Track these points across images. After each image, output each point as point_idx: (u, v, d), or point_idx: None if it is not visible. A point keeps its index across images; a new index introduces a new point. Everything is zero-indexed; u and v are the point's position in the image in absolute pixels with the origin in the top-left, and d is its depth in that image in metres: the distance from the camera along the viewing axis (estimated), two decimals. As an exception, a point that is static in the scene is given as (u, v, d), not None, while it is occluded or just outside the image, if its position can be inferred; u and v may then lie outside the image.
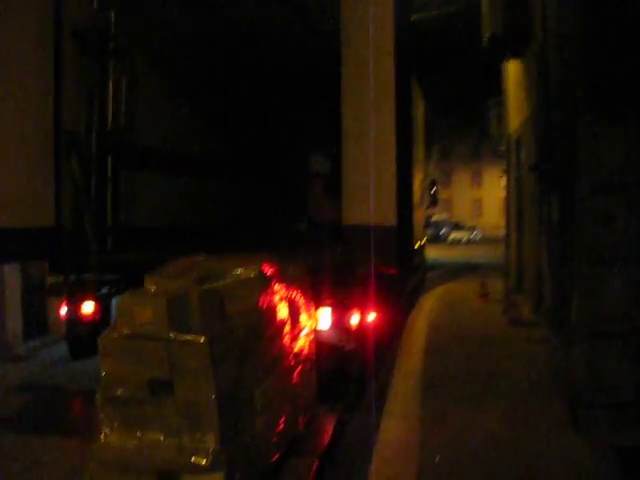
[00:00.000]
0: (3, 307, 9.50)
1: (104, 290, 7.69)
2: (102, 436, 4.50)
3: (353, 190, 6.42)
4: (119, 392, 4.48)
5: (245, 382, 4.72)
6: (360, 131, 6.31)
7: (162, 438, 4.40)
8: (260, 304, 5.07)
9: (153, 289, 4.84)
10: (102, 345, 4.55)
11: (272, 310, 5.24)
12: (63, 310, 7.57)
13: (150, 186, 8.85)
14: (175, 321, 4.38)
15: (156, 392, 4.40)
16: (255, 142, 11.35)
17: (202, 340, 4.32)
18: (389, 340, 7.74)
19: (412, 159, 8.69)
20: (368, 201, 5.97)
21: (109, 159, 8.10)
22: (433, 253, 22.90)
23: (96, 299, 7.50)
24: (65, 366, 8.51)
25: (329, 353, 6.64)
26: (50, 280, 7.87)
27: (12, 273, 9.53)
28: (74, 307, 7.53)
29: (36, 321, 9.47)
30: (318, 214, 10.50)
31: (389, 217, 6.10)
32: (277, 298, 5.36)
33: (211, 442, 4.30)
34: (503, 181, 17.43)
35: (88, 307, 7.46)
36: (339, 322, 6.73)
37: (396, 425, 6.42)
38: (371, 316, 6.92)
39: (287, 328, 5.50)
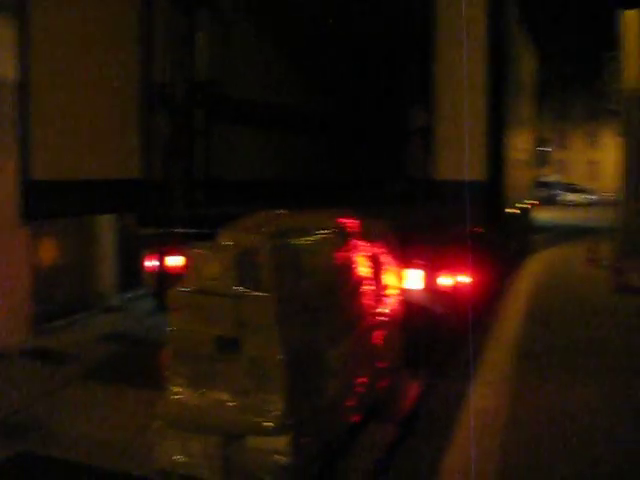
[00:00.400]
0: (98, 259, 9.63)
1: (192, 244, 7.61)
2: (168, 392, 4.37)
3: (444, 145, 6.09)
4: (186, 348, 4.32)
5: (317, 343, 4.48)
6: (452, 85, 5.98)
7: (228, 397, 4.22)
8: (338, 262, 4.80)
9: (225, 243, 4.65)
10: (171, 299, 4.40)
11: (351, 268, 4.97)
12: (151, 263, 7.55)
13: (242, 139, 8.69)
14: (243, 276, 4.18)
15: (223, 350, 4.22)
16: (349, 96, 10.99)
17: (270, 297, 4.11)
18: (485, 305, 7.36)
19: (508, 116, 8.20)
20: (458, 156, 5.64)
21: (199, 112, 7.96)
22: (544, 215, 22.00)
23: (184, 253, 7.43)
24: (155, 319, 8.54)
25: (418, 315, 6.32)
26: (139, 233, 7.89)
27: (107, 225, 9.63)
28: (162, 260, 7.48)
29: (131, 273, 9.55)
30: (418, 170, 10.10)
31: (477, 173, 5.74)
32: (357, 256, 5.08)
33: (277, 404, 4.08)
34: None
35: (175, 260, 7.40)
36: (430, 283, 6.39)
37: (485, 394, 6.10)
38: (465, 278, 6.55)
39: (368, 288, 5.22)
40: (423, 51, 6.65)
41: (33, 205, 6.01)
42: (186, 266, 4.39)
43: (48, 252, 8.88)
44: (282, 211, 5.27)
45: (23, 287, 8.17)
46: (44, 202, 6.14)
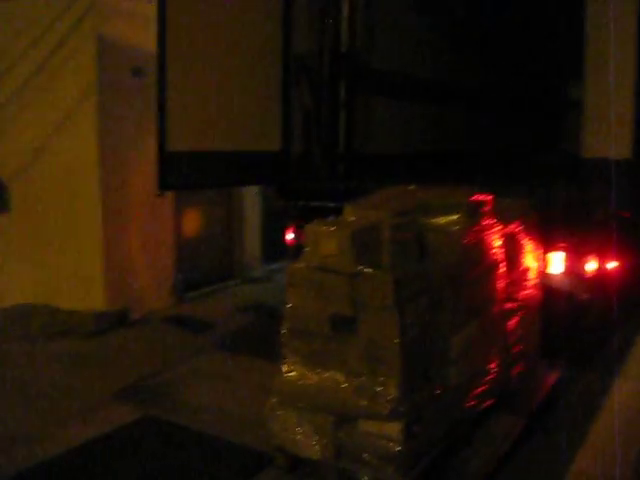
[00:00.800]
0: (243, 230, 9.76)
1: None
2: (284, 369, 4.29)
3: (593, 120, 5.63)
4: (302, 326, 4.22)
5: (439, 327, 4.25)
6: (602, 60, 5.51)
7: (342, 378, 4.09)
8: (467, 241, 4.52)
9: (346, 219, 4.49)
10: (288, 275, 4.31)
11: (481, 249, 4.67)
12: (290, 236, 7.53)
13: (386, 111, 8.45)
14: (361, 255, 4.00)
15: (338, 329, 4.09)
16: (500, 68, 10.45)
17: (388, 277, 3.92)
18: (633, 293, 6.80)
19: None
20: (606, 133, 5.19)
21: (342, 83, 7.79)
22: None
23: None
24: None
25: (559, 301, 5.91)
26: (281, 205, 7.88)
27: (252, 197, 9.73)
28: (300, 233, 7.44)
29: (274, 245, 9.61)
30: (568, 146, 9.49)
31: (625, 152, 5.26)
32: (490, 236, 4.77)
33: (392, 389, 3.91)
34: None
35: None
36: (573, 268, 5.94)
37: (631, 391, 5.62)
38: (612, 264, 6.05)
39: (501, 270, 4.90)
40: (577, 21, 6.16)
41: (169, 176, 6.09)
42: (305, 242, 4.26)
43: (193, 223, 9.09)
44: (412, 187, 5.04)
45: (168, 256, 8.41)
46: (180, 173, 6.21)
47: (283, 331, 4.32)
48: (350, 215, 4.53)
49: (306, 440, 4.16)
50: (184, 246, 8.79)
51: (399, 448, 3.85)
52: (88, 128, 7.24)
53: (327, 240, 4.08)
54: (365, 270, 3.97)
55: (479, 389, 4.59)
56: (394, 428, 3.89)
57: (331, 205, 7.27)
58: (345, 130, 7.99)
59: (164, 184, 6.21)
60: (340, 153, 7.97)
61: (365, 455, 3.96)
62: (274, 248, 9.84)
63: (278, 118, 7.03)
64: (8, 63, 7.35)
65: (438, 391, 4.18)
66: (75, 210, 7.48)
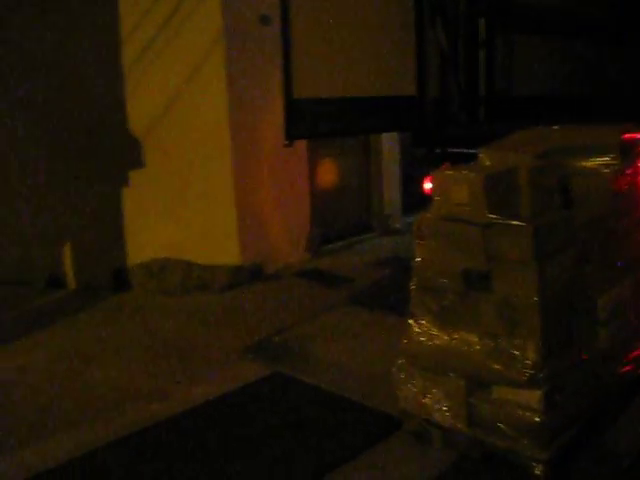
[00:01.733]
0: (381, 181, 9.42)
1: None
2: (412, 328, 3.97)
3: None
4: (432, 281, 3.88)
5: (585, 284, 3.79)
6: None
7: (475, 339, 3.73)
8: (618, 187, 4.00)
9: (485, 164, 4.08)
10: (416, 227, 3.97)
11: (636, 196, 4.12)
12: (428, 185, 7.13)
13: (528, 50, 7.81)
14: (495, 203, 3.59)
15: (471, 285, 3.72)
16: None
17: (527, 228, 3.49)
18: None
19: None
20: None
21: (481, 21, 7.25)
22: None
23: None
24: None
25: None
26: (419, 153, 7.53)
27: (390, 146, 9.35)
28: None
29: (413, 196, 9.22)
30: None
31: None
32: (646, 182, 4.21)
33: (530, 353, 3.51)
34: None
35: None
36: None
37: None
38: None
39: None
40: None
41: (296, 125, 5.86)
42: (434, 190, 3.88)
43: (329, 174, 8.86)
44: (555, 127, 4.53)
45: (303, 210, 8.23)
46: (308, 122, 5.97)
47: (412, 287, 4.01)
48: (485, 159, 4.12)
49: (436, 405, 3.85)
50: (320, 199, 8.59)
51: (537, 419, 3.46)
52: (216, 80, 7.10)
53: (457, 187, 3.69)
54: (500, 220, 3.55)
55: (632, 354, 4.09)
56: (532, 396, 3.50)
57: (471, 151, 6.81)
58: (485, 71, 7.48)
59: (291, 134, 5.99)
60: (480, 96, 7.48)
61: (499, 424, 3.60)
62: (414, 199, 9.44)
63: (412, 61, 6.63)
64: (135, 19, 7.29)
65: (583, 357, 3.74)
66: (207, 165, 7.40)
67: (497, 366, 3.60)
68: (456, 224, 3.71)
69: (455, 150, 6.86)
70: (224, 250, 7.51)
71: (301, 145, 7.77)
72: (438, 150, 7.00)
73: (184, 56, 7.20)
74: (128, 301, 7.33)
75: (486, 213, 3.57)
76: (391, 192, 9.44)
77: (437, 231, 3.84)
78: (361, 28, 6.15)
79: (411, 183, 9.39)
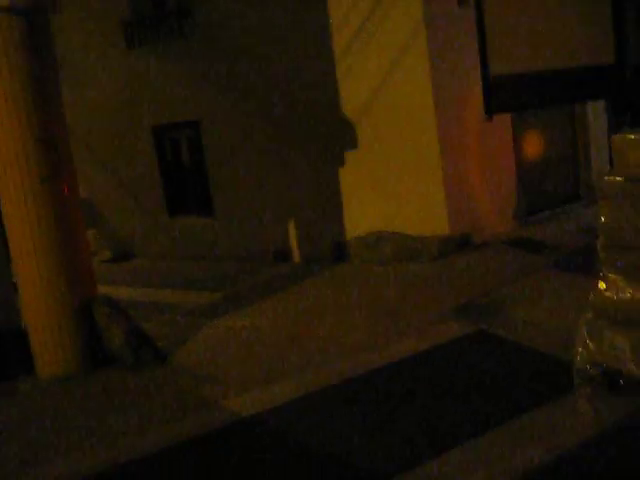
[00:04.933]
0: (589, 150, 9.40)
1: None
2: (600, 284, 4.26)
3: None
4: (617, 240, 4.15)
5: None
6: None
7: (658, 292, 3.96)
8: None
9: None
10: (598, 189, 4.25)
11: None
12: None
13: None
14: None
15: (653, 241, 3.95)
16: None
17: None
18: None
19: None
20: None
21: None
22: None
23: None
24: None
25: None
26: (625, 120, 7.51)
27: (597, 114, 9.31)
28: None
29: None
30: None
31: None
32: None
33: None
34: None
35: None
36: None
37: None
38: None
39: None
40: None
41: (494, 100, 6.19)
42: (614, 152, 4.14)
43: (535, 145, 9.02)
44: None
45: (509, 181, 8.50)
46: (506, 96, 6.28)
47: (598, 246, 4.29)
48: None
49: (623, 355, 4.10)
50: (526, 170, 8.79)
51: None
52: (419, 61, 7.58)
53: (635, 150, 3.94)
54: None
55: None
56: None
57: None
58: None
59: (490, 108, 6.34)
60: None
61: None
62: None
63: (610, 29, 6.69)
64: (344, 10, 7.96)
65: None
66: (414, 142, 7.90)
67: (680, 318, 3.82)
68: (636, 184, 3.96)
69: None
70: (433, 221, 8.01)
71: (505, 118, 8.05)
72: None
73: (389, 42, 7.76)
74: (347, 271, 8.09)
75: (664, 172, 3.79)
76: (599, 160, 9.40)
77: (618, 192, 4.09)
78: (554, 0, 6.34)
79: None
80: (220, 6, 9.05)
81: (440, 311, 6.09)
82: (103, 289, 6.31)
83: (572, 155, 9.44)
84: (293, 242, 9.19)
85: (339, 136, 8.43)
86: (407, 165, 8.04)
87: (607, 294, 4.22)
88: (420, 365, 5.07)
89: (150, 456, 4.19)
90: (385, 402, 4.51)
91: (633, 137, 4.01)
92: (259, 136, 9.16)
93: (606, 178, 4.18)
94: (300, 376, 5.10)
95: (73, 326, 5.55)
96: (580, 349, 4.31)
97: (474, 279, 6.87)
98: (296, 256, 9.14)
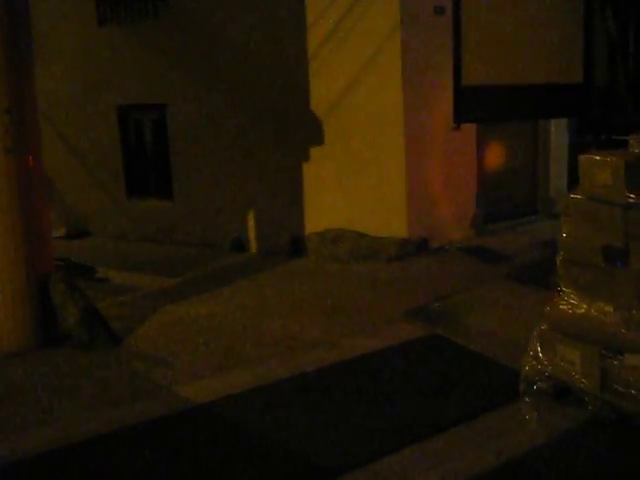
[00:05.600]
0: (548, 165, 9.60)
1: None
2: (556, 298, 4.40)
3: None
4: (575, 256, 4.29)
5: None
6: None
7: (611, 310, 4.10)
8: None
9: (635, 149, 4.38)
10: (563, 205, 4.38)
11: None
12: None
13: None
14: (635, 185, 3.94)
15: (610, 261, 4.08)
16: None
17: (663, 209, 3.82)
18: None
19: None
20: None
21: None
22: None
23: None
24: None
25: None
26: (585, 139, 7.71)
27: (558, 131, 9.50)
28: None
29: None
30: None
31: None
32: None
33: (661, 325, 3.85)
34: None
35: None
36: None
37: None
38: None
39: None
40: None
41: (464, 109, 6.31)
42: (580, 172, 4.27)
43: (497, 156, 9.17)
44: None
45: (469, 189, 8.61)
46: (475, 107, 6.39)
47: (558, 260, 4.42)
48: (635, 146, 4.41)
49: (572, 368, 4.23)
50: (486, 180, 8.94)
51: (666, 386, 3.79)
52: (392, 65, 7.64)
53: (600, 170, 4.08)
54: (637, 200, 3.90)
55: None
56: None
57: None
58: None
59: (459, 118, 6.45)
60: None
61: (631, 390, 3.94)
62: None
63: (580, 50, 6.86)
64: (321, 7, 7.99)
65: None
66: (380, 144, 7.98)
67: (630, 335, 3.96)
68: (598, 204, 4.09)
69: (621, 137, 7.01)
70: (393, 223, 8.09)
71: (470, 128, 8.17)
72: (604, 137, 7.18)
73: (364, 41, 7.81)
74: (303, 266, 8.13)
75: (626, 195, 3.93)
76: (557, 177, 9.61)
77: (582, 210, 4.23)
78: (530, 18, 6.48)
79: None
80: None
81: (395, 312, 6.17)
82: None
83: (532, 169, 9.63)
84: (251, 233, 9.20)
85: (306, 131, 8.47)
86: (371, 166, 8.11)
87: (562, 308, 4.36)
88: (373, 364, 5.14)
89: (96, 439, 4.16)
90: (338, 398, 4.57)
91: (599, 158, 4.14)
92: (225, 125, 9.16)
93: (571, 196, 4.31)
94: (254, 367, 5.13)
95: (28, 301, 5.48)
96: (531, 360, 4.44)
97: (429, 283, 6.98)
98: (253, 247, 9.16)
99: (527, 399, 4.42)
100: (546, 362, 4.37)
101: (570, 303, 4.32)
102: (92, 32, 10.10)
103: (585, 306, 4.23)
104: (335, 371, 5.04)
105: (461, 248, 8.11)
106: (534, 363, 4.41)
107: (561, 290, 4.40)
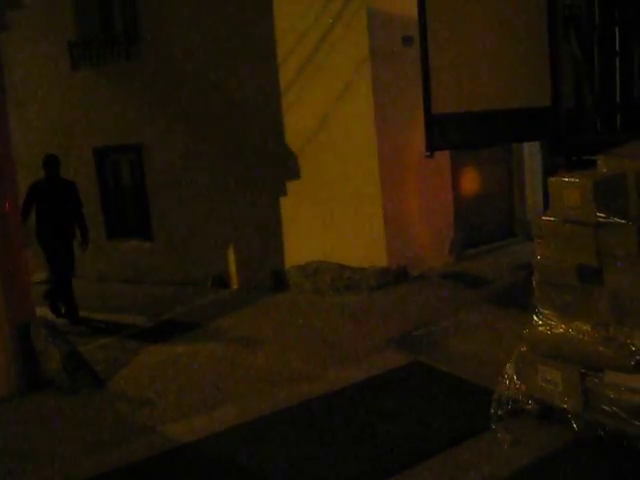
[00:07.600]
0: (524, 188, 9.71)
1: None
2: (534, 319, 4.44)
3: None
4: (550, 277, 4.34)
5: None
6: None
7: (589, 329, 4.13)
8: None
9: (602, 170, 4.46)
10: (536, 227, 4.43)
11: None
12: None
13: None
14: (606, 205, 4.00)
15: (584, 280, 4.14)
16: None
17: (632, 227, 3.88)
18: None
19: None
20: None
21: (615, 31, 7.45)
22: None
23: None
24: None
25: None
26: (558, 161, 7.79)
27: (532, 154, 9.62)
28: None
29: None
30: None
31: None
32: None
33: (638, 340, 3.89)
34: None
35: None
36: None
37: None
38: None
39: None
40: None
41: (436, 137, 6.36)
42: (550, 194, 4.33)
43: (472, 182, 9.27)
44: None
45: (446, 216, 8.69)
46: (447, 134, 6.45)
47: (534, 282, 4.46)
48: (603, 166, 4.49)
49: (554, 388, 4.26)
50: (463, 205, 9.02)
51: (645, 401, 3.83)
52: (364, 96, 7.75)
53: (570, 192, 4.14)
54: (609, 220, 3.96)
55: None
56: (640, 380, 3.87)
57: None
58: (622, 80, 7.64)
59: (431, 146, 6.49)
60: (616, 105, 7.65)
61: (612, 407, 3.97)
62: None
63: (547, 73, 6.96)
64: (290, 44, 8.11)
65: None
66: (356, 176, 8.06)
67: (608, 353, 3.99)
68: (570, 225, 4.15)
69: (591, 158, 7.11)
70: (372, 253, 8.14)
71: (444, 155, 8.25)
72: (574, 158, 7.26)
73: (335, 74, 7.92)
74: (285, 299, 8.14)
75: (596, 214, 3.99)
76: (533, 199, 9.71)
77: (554, 232, 4.28)
78: (496, 45, 6.56)
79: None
80: (168, 31, 9.13)
81: (378, 342, 6.21)
82: (39, 311, 6.23)
83: (508, 193, 9.74)
84: (232, 269, 9.22)
85: (282, 166, 8.54)
86: (348, 197, 8.17)
87: (541, 329, 4.39)
88: (356, 396, 5.15)
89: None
90: (323, 431, 4.58)
91: (568, 180, 4.22)
92: (201, 162, 9.21)
93: (543, 218, 4.37)
94: (239, 404, 5.13)
95: (9, 348, 5.46)
96: (513, 381, 4.47)
97: (411, 311, 7.02)
98: (235, 283, 9.17)
99: (511, 422, 4.44)
100: (528, 384, 4.41)
101: (548, 324, 4.35)
102: (66, 76, 10.16)
103: (563, 326, 4.26)
104: (319, 404, 5.05)
105: (441, 275, 8.17)
106: (516, 385, 4.44)
107: (539, 311, 4.43)
